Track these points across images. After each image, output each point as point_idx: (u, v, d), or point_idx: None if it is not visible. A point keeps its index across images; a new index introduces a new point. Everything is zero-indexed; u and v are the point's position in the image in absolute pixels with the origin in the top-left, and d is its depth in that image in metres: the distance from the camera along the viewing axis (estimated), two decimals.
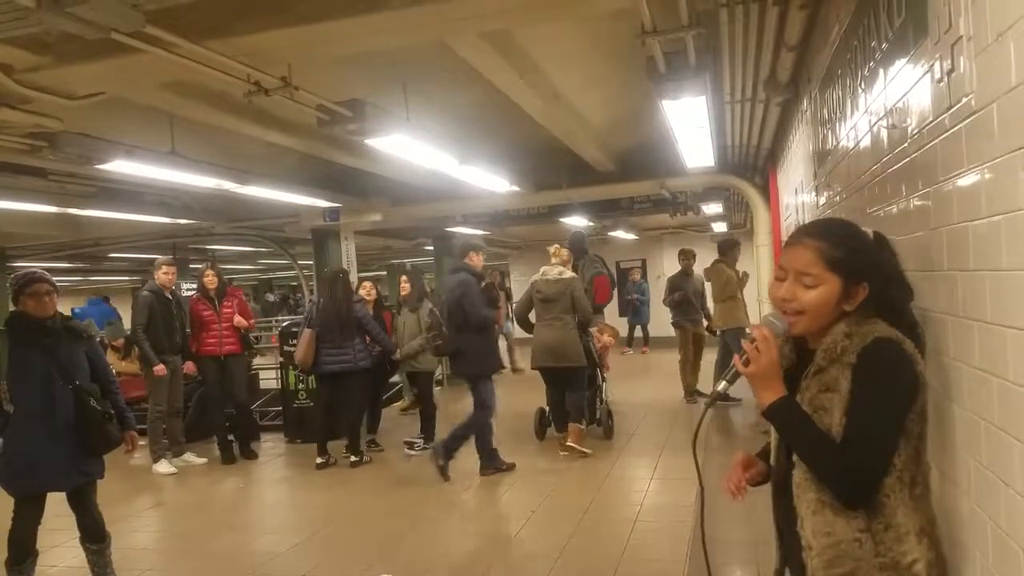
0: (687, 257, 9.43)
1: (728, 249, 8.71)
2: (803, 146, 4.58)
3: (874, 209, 2.31)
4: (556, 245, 6.94)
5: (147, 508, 6.10)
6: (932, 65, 1.65)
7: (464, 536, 5.06)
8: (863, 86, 2.43)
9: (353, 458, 6.78)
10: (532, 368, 6.90)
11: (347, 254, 9.66)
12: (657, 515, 5.07)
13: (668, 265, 14.67)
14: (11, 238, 10.83)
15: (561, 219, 10.83)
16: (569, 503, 5.37)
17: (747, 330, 1.57)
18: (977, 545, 1.58)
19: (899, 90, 1.95)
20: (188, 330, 7.13)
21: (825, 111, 3.44)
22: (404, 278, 7.64)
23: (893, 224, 2.05)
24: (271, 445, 8.00)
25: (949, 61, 1.53)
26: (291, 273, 17.08)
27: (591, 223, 11.94)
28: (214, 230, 10.23)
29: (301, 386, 8.04)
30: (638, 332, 15.41)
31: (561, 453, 6.68)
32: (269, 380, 9.88)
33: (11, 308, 3.85)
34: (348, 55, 4.26)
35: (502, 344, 9.08)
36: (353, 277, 8.62)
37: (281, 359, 8.44)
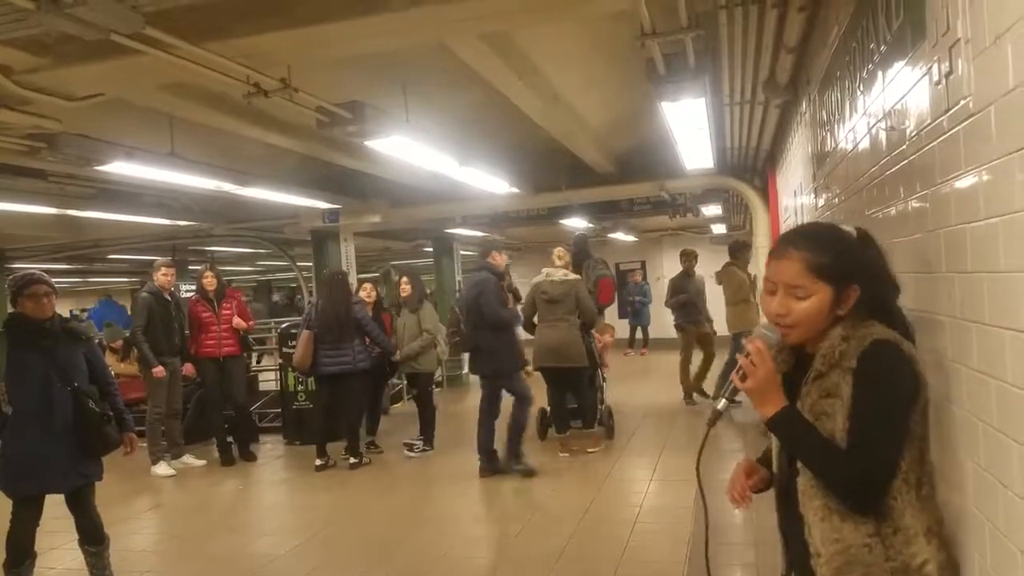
0: (689, 258, 9.37)
1: (739, 251, 8.59)
2: (802, 148, 4.58)
3: (872, 211, 2.31)
4: (560, 248, 7.03)
5: (146, 510, 6.09)
6: (930, 67, 1.65)
7: (464, 537, 5.06)
8: (862, 88, 2.43)
9: (352, 460, 6.78)
10: (535, 369, 6.92)
11: (346, 256, 9.65)
12: (657, 516, 5.07)
13: (668, 267, 14.69)
14: (10, 239, 10.82)
15: (561, 221, 10.82)
16: (569, 504, 5.38)
17: (743, 342, 1.60)
18: (975, 546, 1.57)
19: (897, 92, 1.95)
20: (187, 332, 7.12)
21: (824, 113, 3.44)
22: (405, 279, 7.65)
23: (891, 226, 2.04)
24: (270, 447, 8.00)
25: (947, 63, 1.53)
26: (290, 275, 17.05)
27: (591, 225, 11.93)
28: (213, 231, 10.22)
29: (300, 388, 8.03)
30: (638, 333, 15.43)
31: (561, 454, 6.70)
32: (268, 382, 9.88)
33: (10, 310, 3.85)
34: (347, 57, 4.26)
35: None
36: (352, 279, 8.62)
37: (280, 361, 8.44)
